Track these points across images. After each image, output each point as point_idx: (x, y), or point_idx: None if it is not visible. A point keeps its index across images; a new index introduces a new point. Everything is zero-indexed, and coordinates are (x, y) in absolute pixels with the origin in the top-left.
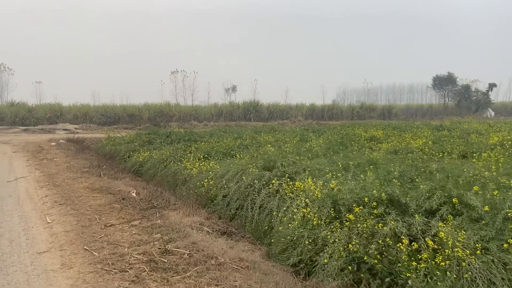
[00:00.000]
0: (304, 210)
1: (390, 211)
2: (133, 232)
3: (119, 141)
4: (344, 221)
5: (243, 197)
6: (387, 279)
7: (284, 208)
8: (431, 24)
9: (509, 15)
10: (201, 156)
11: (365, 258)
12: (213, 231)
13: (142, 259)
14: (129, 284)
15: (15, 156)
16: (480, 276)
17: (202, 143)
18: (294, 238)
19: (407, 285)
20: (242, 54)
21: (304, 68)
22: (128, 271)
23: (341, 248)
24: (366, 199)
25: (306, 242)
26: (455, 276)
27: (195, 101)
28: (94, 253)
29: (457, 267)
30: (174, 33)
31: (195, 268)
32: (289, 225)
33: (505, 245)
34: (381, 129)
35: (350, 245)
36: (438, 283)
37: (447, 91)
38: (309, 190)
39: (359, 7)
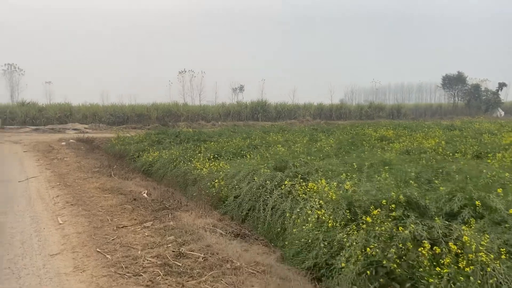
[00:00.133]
0: (319, 212)
1: (408, 213)
2: (146, 234)
3: (129, 141)
4: (360, 224)
5: (255, 198)
6: (408, 285)
7: (298, 210)
8: (439, 23)
9: None
10: (211, 156)
11: (384, 262)
12: (226, 233)
13: (156, 262)
14: None
15: (26, 155)
16: (506, 282)
17: (212, 143)
18: (309, 240)
19: None
20: (249, 54)
21: (312, 68)
22: (142, 275)
23: (359, 251)
24: (384, 201)
25: (322, 245)
26: (479, 281)
27: (202, 101)
28: (107, 256)
29: (481, 272)
30: (181, 33)
31: (211, 273)
32: (303, 227)
33: None
34: (391, 128)
35: (368, 248)
36: None
37: (456, 90)
38: (323, 191)
39: (367, 6)
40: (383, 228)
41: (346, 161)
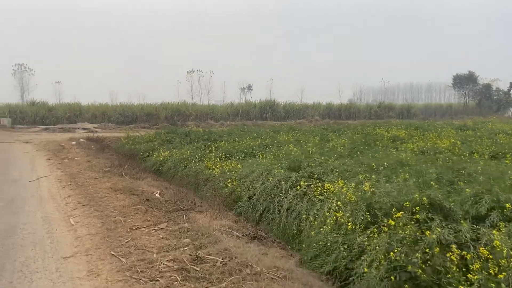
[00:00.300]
0: (338, 214)
1: (432, 216)
2: (161, 236)
3: (138, 140)
4: (382, 227)
5: (269, 198)
6: None
7: (314, 211)
8: (448, 22)
9: None
10: (222, 156)
11: (409, 267)
12: (243, 235)
13: (173, 266)
14: None
15: (36, 155)
16: None
17: (222, 143)
18: (328, 243)
19: None
20: (256, 54)
21: (320, 67)
22: (159, 280)
23: (381, 256)
24: (407, 203)
25: (341, 249)
26: None
27: (210, 100)
28: (122, 259)
29: None
30: (188, 33)
31: (231, 278)
32: (321, 229)
33: None
34: (402, 128)
35: (391, 253)
36: None
37: (467, 90)
38: (340, 192)
39: (373, 5)
40: (407, 231)
41: (361, 161)
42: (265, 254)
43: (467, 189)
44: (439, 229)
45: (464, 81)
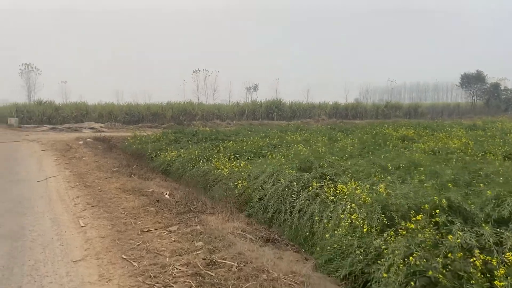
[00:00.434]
0: (353, 216)
1: (452, 219)
2: (173, 239)
3: (145, 140)
4: (399, 230)
5: (280, 200)
6: None
7: (328, 213)
8: (455, 21)
9: None
10: (231, 156)
11: (430, 273)
12: (256, 238)
13: (187, 271)
14: None
15: (44, 154)
16: None
17: (230, 142)
18: (343, 247)
19: None
20: (262, 54)
21: (325, 66)
22: (172, 286)
23: (400, 260)
24: (426, 205)
25: (357, 252)
26: None
27: (216, 100)
28: (134, 263)
29: None
30: (195, 32)
31: (247, 284)
32: (335, 232)
33: None
34: (411, 128)
35: (411, 257)
36: None
37: (475, 89)
38: (354, 193)
39: (381, 4)
40: (427, 235)
41: (372, 161)
42: (280, 258)
43: (488, 191)
44: (460, 233)
45: (472, 80)
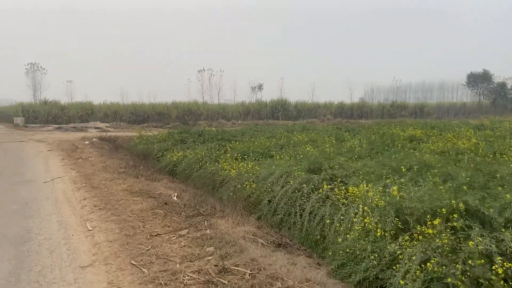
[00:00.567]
0: (366, 220)
1: (470, 224)
2: (182, 244)
3: (151, 140)
4: (414, 234)
5: (290, 202)
6: None
7: (339, 216)
8: (460, 20)
9: None
10: (238, 157)
11: (449, 279)
12: (268, 243)
13: (198, 279)
14: None
15: (50, 154)
16: None
17: (237, 143)
18: (356, 251)
19: None
20: (267, 53)
21: (329, 66)
22: None
23: (417, 266)
24: (443, 209)
25: (372, 257)
26: None
27: (221, 99)
28: (143, 270)
29: None
30: (198, 32)
31: None
32: (347, 236)
33: None
34: (419, 128)
35: (428, 263)
36: None
37: (482, 88)
38: (366, 196)
39: (386, 4)
40: (445, 240)
41: (382, 162)
42: (293, 264)
43: (507, 195)
44: (480, 238)
45: (478, 79)
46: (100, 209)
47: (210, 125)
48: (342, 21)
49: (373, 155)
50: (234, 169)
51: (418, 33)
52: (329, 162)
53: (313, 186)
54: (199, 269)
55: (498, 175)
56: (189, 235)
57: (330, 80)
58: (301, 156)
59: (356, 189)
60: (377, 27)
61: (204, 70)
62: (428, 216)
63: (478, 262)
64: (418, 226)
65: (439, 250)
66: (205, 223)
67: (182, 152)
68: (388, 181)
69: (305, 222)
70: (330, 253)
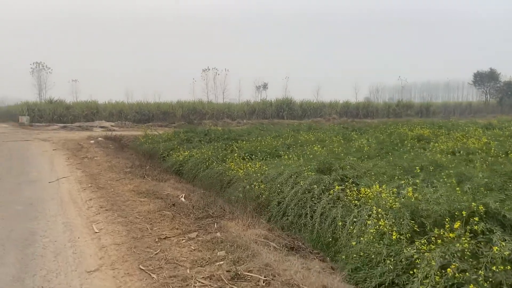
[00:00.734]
0: (381, 223)
1: (491, 227)
2: (192, 248)
3: (157, 139)
4: (432, 238)
5: (300, 203)
6: None
7: (352, 218)
8: (465, 19)
9: None
10: (245, 156)
11: (471, 286)
12: (280, 246)
13: (210, 285)
14: None
15: (55, 154)
16: None
17: (243, 142)
18: (371, 255)
19: None
20: (272, 52)
21: (335, 66)
22: None
23: (436, 272)
24: (463, 212)
25: (388, 262)
26: None
27: (226, 98)
28: (152, 275)
29: None
30: (204, 32)
31: None
32: (361, 238)
33: None
34: (426, 127)
35: (448, 269)
36: None
37: (488, 88)
38: (380, 197)
39: (391, 3)
40: (465, 244)
41: (393, 162)
42: (308, 269)
43: None
44: (503, 243)
45: (485, 78)
46: (106, 210)
47: (215, 124)
48: (346, 21)
49: (382, 155)
50: (241, 169)
51: (422, 32)
52: (339, 162)
53: (323, 187)
54: (211, 274)
55: None
56: (199, 238)
57: (335, 80)
58: (311, 156)
59: (368, 190)
60: (382, 26)
61: (209, 69)
62: (446, 219)
63: (501, 268)
64: (436, 229)
65: (458, 255)
66: (215, 226)
67: (188, 151)
68: (402, 182)
69: (316, 224)
70: (343, 257)
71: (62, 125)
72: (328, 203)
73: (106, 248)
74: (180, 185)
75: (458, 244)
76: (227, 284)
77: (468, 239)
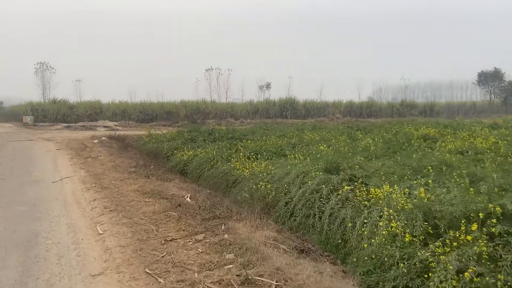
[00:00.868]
0: (393, 224)
1: (509, 229)
2: (200, 250)
3: (161, 139)
4: (446, 240)
5: (309, 204)
6: None
7: (362, 219)
8: (469, 18)
9: None
10: (250, 156)
11: None
12: (290, 248)
13: None
14: None
15: (59, 153)
16: None
17: (248, 141)
18: (383, 257)
19: None
20: (275, 52)
21: (338, 65)
22: None
23: (453, 276)
24: (480, 214)
25: (401, 265)
26: None
27: (229, 98)
28: (159, 280)
29: None
30: (207, 31)
31: None
32: (372, 240)
33: None
34: (431, 127)
35: (466, 273)
36: None
37: (493, 87)
38: (390, 198)
39: (392, 2)
40: (483, 247)
41: (401, 162)
42: (320, 273)
43: None
44: None
45: (489, 78)
46: (111, 210)
47: (219, 123)
48: (349, 20)
49: (390, 155)
50: (247, 169)
51: (425, 32)
52: (347, 162)
53: (332, 187)
54: (220, 279)
55: None
56: (206, 240)
57: (338, 79)
58: (319, 156)
59: (378, 190)
60: (385, 26)
61: (212, 69)
62: (462, 221)
63: None
64: (451, 231)
65: (475, 258)
66: (222, 227)
67: (193, 151)
68: (414, 182)
69: (324, 225)
70: (354, 259)
71: (65, 124)
72: (337, 204)
73: (110, 250)
74: (185, 185)
75: (475, 247)
76: None
77: (485, 241)
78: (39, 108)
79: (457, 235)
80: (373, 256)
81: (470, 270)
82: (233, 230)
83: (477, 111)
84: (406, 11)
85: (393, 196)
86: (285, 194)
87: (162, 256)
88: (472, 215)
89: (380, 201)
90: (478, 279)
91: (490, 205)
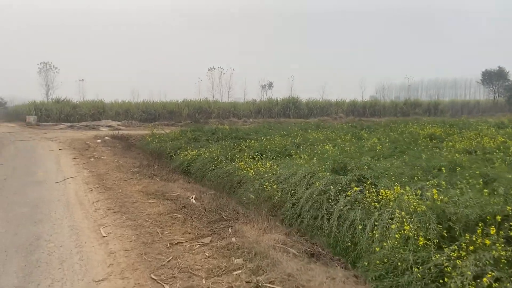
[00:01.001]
0: (407, 227)
1: None
2: (207, 255)
3: (164, 139)
4: (462, 244)
5: (316, 205)
6: None
7: (373, 222)
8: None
9: None
10: (255, 155)
11: None
12: (300, 252)
13: None
14: None
15: (62, 153)
16: None
17: (252, 141)
18: (396, 262)
19: None
20: (277, 51)
21: (340, 64)
22: None
23: (471, 282)
24: (498, 216)
25: (415, 270)
26: None
27: (231, 97)
28: (166, 286)
29: None
30: (209, 32)
31: None
32: (384, 244)
33: None
34: (437, 126)
35: (484, 278)
36: None
37: (497, 86)
38: (402, 200)
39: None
40: (502, 252)
41: (410, 162)
42: (332, 279)
43: None
44: None
45: (493, 77)
46: (114, 212)
47: (221, 123)
48: (351, 19)
49: (397, 155)
50: (251, 169)
51: (429, 30)
52: (354, 162)
53: (340, 188)
54: (229, 286)
55: None
56: (213, 244)
57: (340, 78)
58: (325, 156)
59: (388, 191)
60: (388, 24)
61: (214, 68)
62: (480, 224)
63: None
64: (467, 234)
65: (492, 262)
66: (229, 230)
67: (196, 150)
68: (428, 183)
69: (333, 227)
70: (365, 263)
71: (69, 124)
72: (346, 205)
73: (114, 254)
74: (189, 186)
75: (493, 251)
76: None
77: (502, 245)
78: (42, 107)
79: (474, 239)
80: (385, 260)
81: (489, 275)
82: (241, 233)
83: (481, 110)
84: (410, 9)
85: (405, 198)
86: (292, 195)
87: (168, 261)
88: (488, 217)
89: (391, 203)
90: (497, 284)
91: (508, 207)
